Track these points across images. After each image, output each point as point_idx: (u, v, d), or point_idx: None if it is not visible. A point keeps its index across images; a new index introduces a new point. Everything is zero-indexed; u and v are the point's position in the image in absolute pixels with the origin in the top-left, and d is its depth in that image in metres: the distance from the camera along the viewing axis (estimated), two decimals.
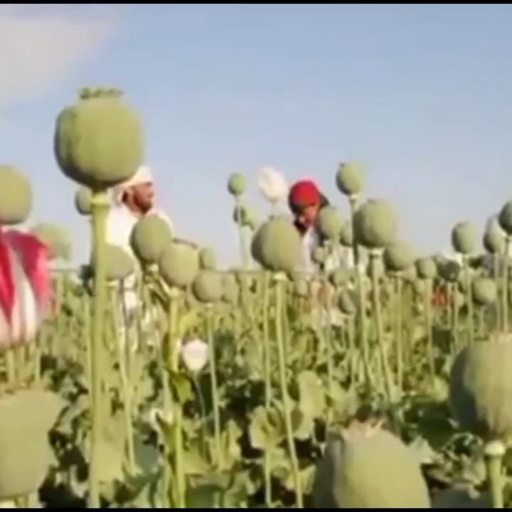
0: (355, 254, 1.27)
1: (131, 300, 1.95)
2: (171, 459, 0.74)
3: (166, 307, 0.74)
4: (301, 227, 3.47)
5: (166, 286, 0.77)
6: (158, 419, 0.76)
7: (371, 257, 0.95)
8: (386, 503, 0.35)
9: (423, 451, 1.22)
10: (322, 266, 2.03)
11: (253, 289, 2.61)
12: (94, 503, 0.50)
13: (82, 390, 1.63)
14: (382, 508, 0.35)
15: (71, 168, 0.47)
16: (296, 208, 3.64)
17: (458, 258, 1.82)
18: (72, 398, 1.58)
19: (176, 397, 0.73)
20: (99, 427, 0.51)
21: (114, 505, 1.06)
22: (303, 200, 3.64)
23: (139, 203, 3.39)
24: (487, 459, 0.51)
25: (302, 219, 3.62)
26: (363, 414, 1.36)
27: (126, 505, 1.02)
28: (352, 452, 0.35)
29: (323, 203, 3.49)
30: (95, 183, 0.48)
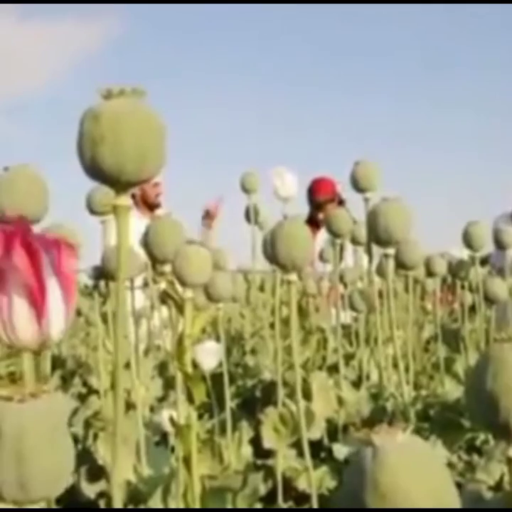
0: (369, 253, 1.26)
1: (139, 300, 1.94)
2: (186, 461, 0.74)
3: (180, 308, 0.74)
4: (315, 223, 3.44)
5: (179, 287, 0.76)
6: (173, 422, 0.75)
7: (385, 256, 0.95)
8: (418, 507, 0.34)
9: (437, 452, 1.21)
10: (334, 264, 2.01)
11: (261, 288, 2.61)
12: (117, 504, 0.50)
13: (92, 390, 1.63)
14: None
15: (95, 169, 0.47)
16: (316, 204, 3.59)
17: (464, 256, 1.82)
18: (82, 398, 1.58)
19: (190, 399, 0.73)
20: (120, 433, 0.51)
21: (127, 507, 1.05)
22: (324, 197, 3.59)
23: (147, 203, 3.40)
24: (509, 461, 0.50)
25: (322, 215, 3.55)
26: (377, 415, 1.35)
27: (141, 507, 1.02)
28: (384, 457, 0.34)
29: (340, 201, 3.47)
30: (119, 184, 0.47)
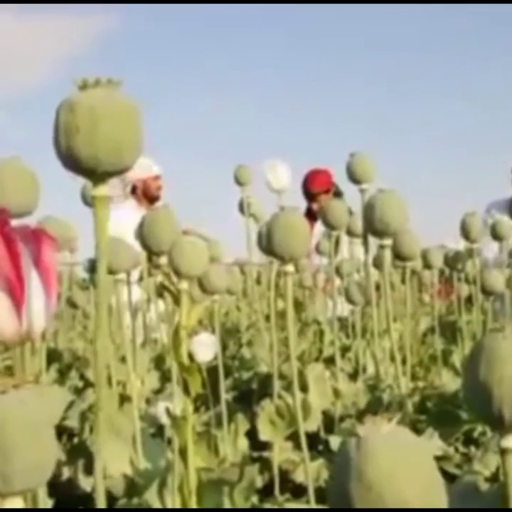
0: (365, 244, 1.26)
1: (136, 293, 1.94)
2: (182, 453, 0.73)
3: (176, 300, 0.73)
4: (312, 216, 3.45)
5: (175, 279, 0.76)
6: (169, 413, 0.75)
7: (381, 247, 0.94)
8: (403, 498, 0.34)
9: (433, 444, 1.21)
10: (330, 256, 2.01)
11: (258, 280, 2.60)
12: (101, 501, 0.49)
13: (89, 384, 1.63)
14: (401, 509, 0.34)
15: (71, 160, 0.46)
16: (309, 195, 3.62)
17: (460, 247, 1.82)
18: (78, 392, 1.58)
19: (186, 391, 0.73)
20: (103, 421, 0.50)
21: (123, 501, 1.05)
22: (317, 188, 3.61)
23: (147, 195, 3.43)
24: (503, 452, 0.50)
25: (315, 206, 3.58)
26: (374, 407, 1.35)
27: (136, 500, 1.01)
28: (368, 448, 0.34)
29: (337, 193, 3.48)
30: (95, 174, 0.47)
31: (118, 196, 3.35)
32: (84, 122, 0.45)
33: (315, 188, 3.61)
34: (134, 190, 3.44)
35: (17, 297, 0.54)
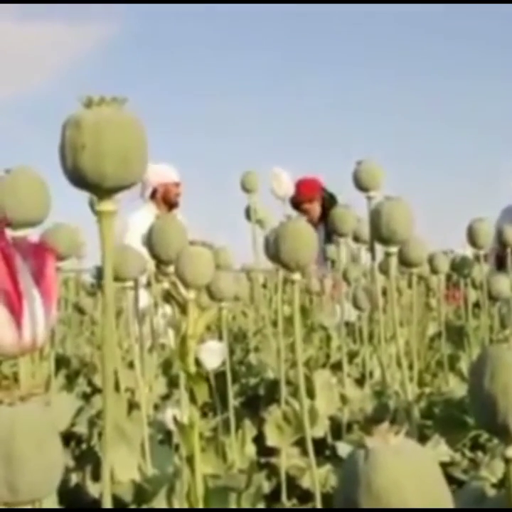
0: (372, 251, 1.27)
1: (143, 298, 1.95)
2: (189, 461, 0.74)
3: (183, 309, 0.74)
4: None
5: (182, 288, 0.76)
6: (176, 421, 0.75)
7: (388, 254, 0.94)
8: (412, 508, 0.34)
9: (440, 449, 1.21)
10: (333, 263, 2.02)
11: (264, 286, 2.61)
12: (107, 504, 0.50)
13: (97, 390, 1.63)
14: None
15: (77, 177, 0.47)
16: (293, 203, 3.63)
17: (468, 253, 1.82)
18: (86, 398, 1.58)
19: (193, 399, 0.73)
20: (111, 428, 0.51)
21: (132, 507, 1.06)
22: (299, 196, 3.64)
23: (166, 201, 3.47)
24: (507, 461, 0.50)
25: (300, 214, 3.61)
26: (381, 413, 1.35)
27: (144, 506, 1.02)
28: (377, 460, 0.34)
29: (329, 201, 3.50)
30: (101, 190, 0.48)
31: (137, 198, 3.40)
32: (90, 139, 0.46)
33: (296, 196, 3.62)
34: (153, 195, 3.48)
35: (16, 309, 0.54)
